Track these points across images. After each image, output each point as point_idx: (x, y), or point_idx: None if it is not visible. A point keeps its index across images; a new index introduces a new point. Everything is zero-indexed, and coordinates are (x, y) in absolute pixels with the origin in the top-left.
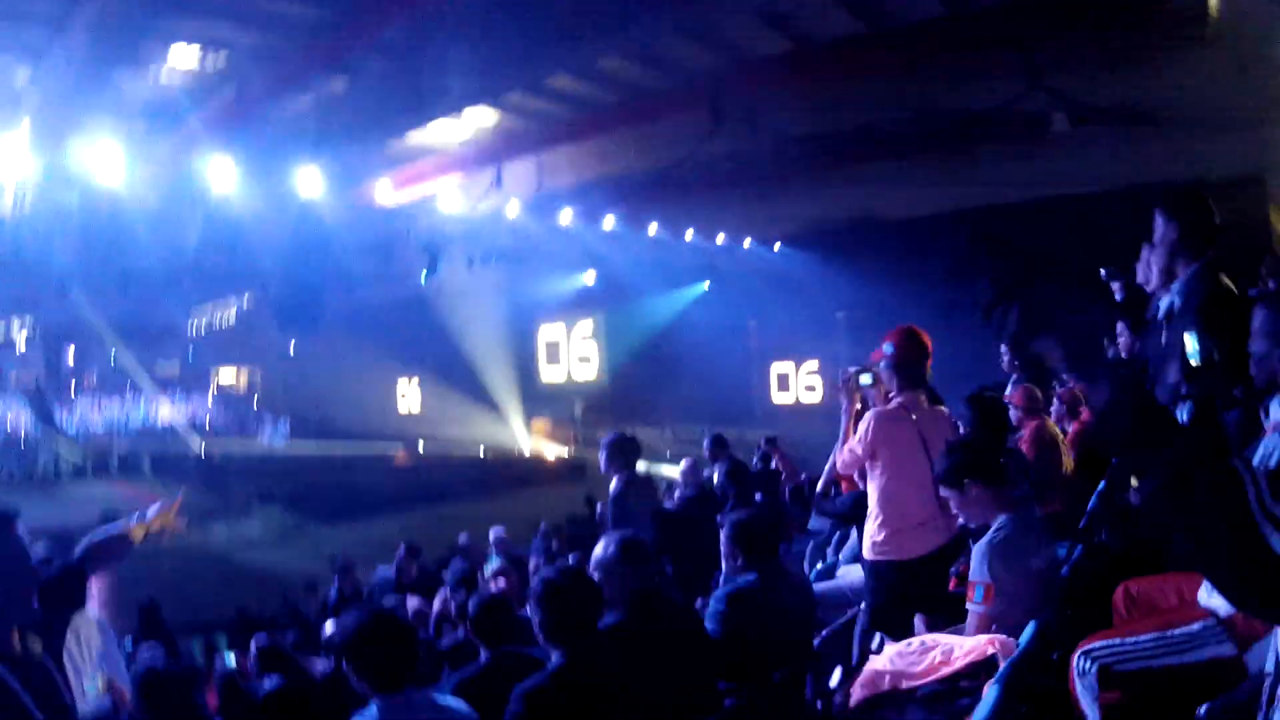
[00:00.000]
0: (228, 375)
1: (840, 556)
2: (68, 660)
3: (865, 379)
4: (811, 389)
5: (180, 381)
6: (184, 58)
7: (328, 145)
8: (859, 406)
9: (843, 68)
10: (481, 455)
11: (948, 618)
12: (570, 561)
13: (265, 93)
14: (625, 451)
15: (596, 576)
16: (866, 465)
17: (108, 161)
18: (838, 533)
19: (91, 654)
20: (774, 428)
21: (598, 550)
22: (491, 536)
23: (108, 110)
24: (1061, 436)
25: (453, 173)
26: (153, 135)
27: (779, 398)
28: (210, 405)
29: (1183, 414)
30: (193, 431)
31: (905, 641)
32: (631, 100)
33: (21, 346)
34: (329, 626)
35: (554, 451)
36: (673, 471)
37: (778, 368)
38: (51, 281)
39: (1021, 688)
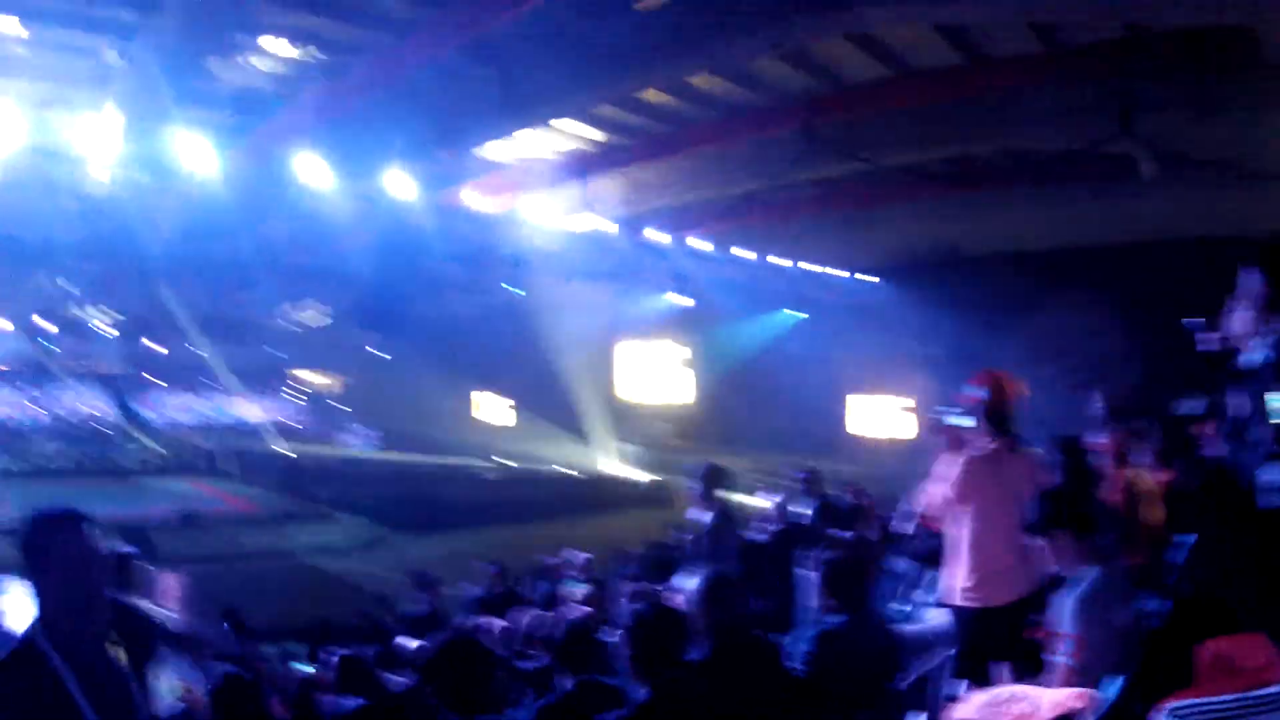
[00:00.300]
0: (312, 377)
1: (928, 599)
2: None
3: (964, 421)
4: (901, 424)
5: (264, 381)
6: (276, 49)
7: (419, 148)
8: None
9: (938, 98)
10: (566, 474)
11: (1032, 667)
12: (655, 589)
13: (357, 90)
14: (718, 482)
15: (684, 609)
16: (958, 509)
17: (198, 151)
18: (924, 574)
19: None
20: (856, 462)
21: (688, 584)
22: (575, 560)
23: (197, 98)
24: (1153, 486)
25: (543, 185)
26: (242, 127)
27: (865, 431)
28: (296, 407)
29: (1274, 474)
30: (277, 433)
31: (992, 691)
32: (724, 119)
33: (104, 335)
34: (410, 643)
35: (637, 474)
36: (752, 501)
37: (864, 401)
38: (136, 271)
39: None
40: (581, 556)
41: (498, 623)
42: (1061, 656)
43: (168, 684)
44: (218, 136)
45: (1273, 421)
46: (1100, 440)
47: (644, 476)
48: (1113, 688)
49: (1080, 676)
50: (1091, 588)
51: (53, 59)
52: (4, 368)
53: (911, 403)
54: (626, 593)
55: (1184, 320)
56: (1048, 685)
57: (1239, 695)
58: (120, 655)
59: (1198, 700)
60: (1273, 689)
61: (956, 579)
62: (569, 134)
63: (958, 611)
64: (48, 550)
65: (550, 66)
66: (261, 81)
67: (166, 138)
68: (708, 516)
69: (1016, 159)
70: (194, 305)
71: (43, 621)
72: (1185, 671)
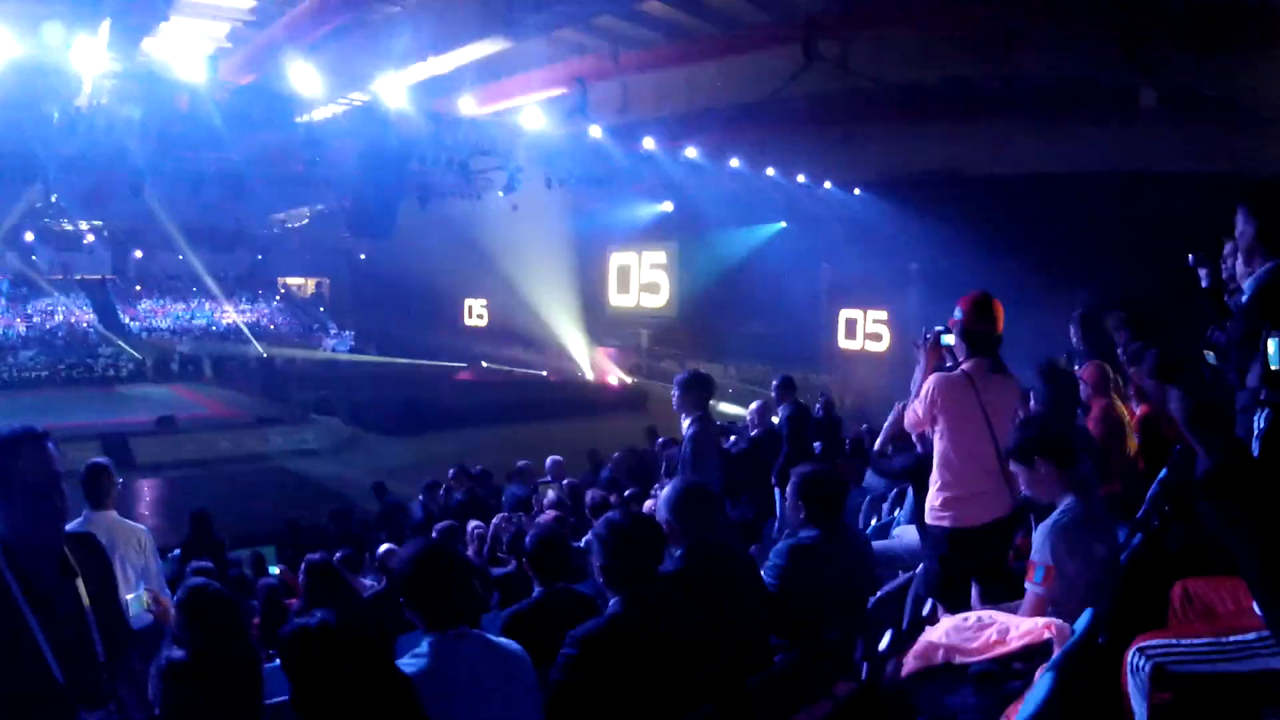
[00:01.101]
0: (295, 281)
1: (897, 515)
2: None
3: (948, 339)
4: (878, 337)
5: (247, 286)
6: None
7: (413, 56)
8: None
9: (939, 19)
10: (544, 377)
11: (1004, 590)
12: (628, 494)
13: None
14: (701, 390)
15: (661, 519)
16: (930, 429)
17: (188, 61)
18: (894, 490)
19: (134, 565)
20: (838, 373)
21: (664, 493)
22: (548, 463)
23: (187, 9)
24: (1129, 418)
25: (537, 91)
26: (234, 37)
27: (845, 343)
28: (275, 311)
29: (1260, 420)
30: (255, 337)
31: (962, 615)
32: (723, 31)
33: (89, 244)
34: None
35: (616, 378)
36: (733, 410)
37: (846, 314)
38: (124, 180)
39: (1074, 677)
40: (552, 460)
41: (473, 524)
42: (1034, 585)
43: (134, 595)
44: (209, 47)
45: (1272, 367)
46: (1083, 369)
47: (626, 380)
48: (1083, 620)
49: (1053, 606)
50: (1067, 518)
51: None
52: None
53: (887, 317)
54: (593, 500)
55: (1189, 255)
56: (1020, 613)
57: (1212, 640)
58: (79, 584)
59: (1168, 640)
60: (1248, 635)
61: (928, 498)
62: (567, 41)
63: (929, 531)
64: (7, 472)
65: None
66: None
67: (157, 48)
68: (687, 424)
69: (1018, 85)
70: (182, 215)
71: (2, 543)
72: (1159, 609)
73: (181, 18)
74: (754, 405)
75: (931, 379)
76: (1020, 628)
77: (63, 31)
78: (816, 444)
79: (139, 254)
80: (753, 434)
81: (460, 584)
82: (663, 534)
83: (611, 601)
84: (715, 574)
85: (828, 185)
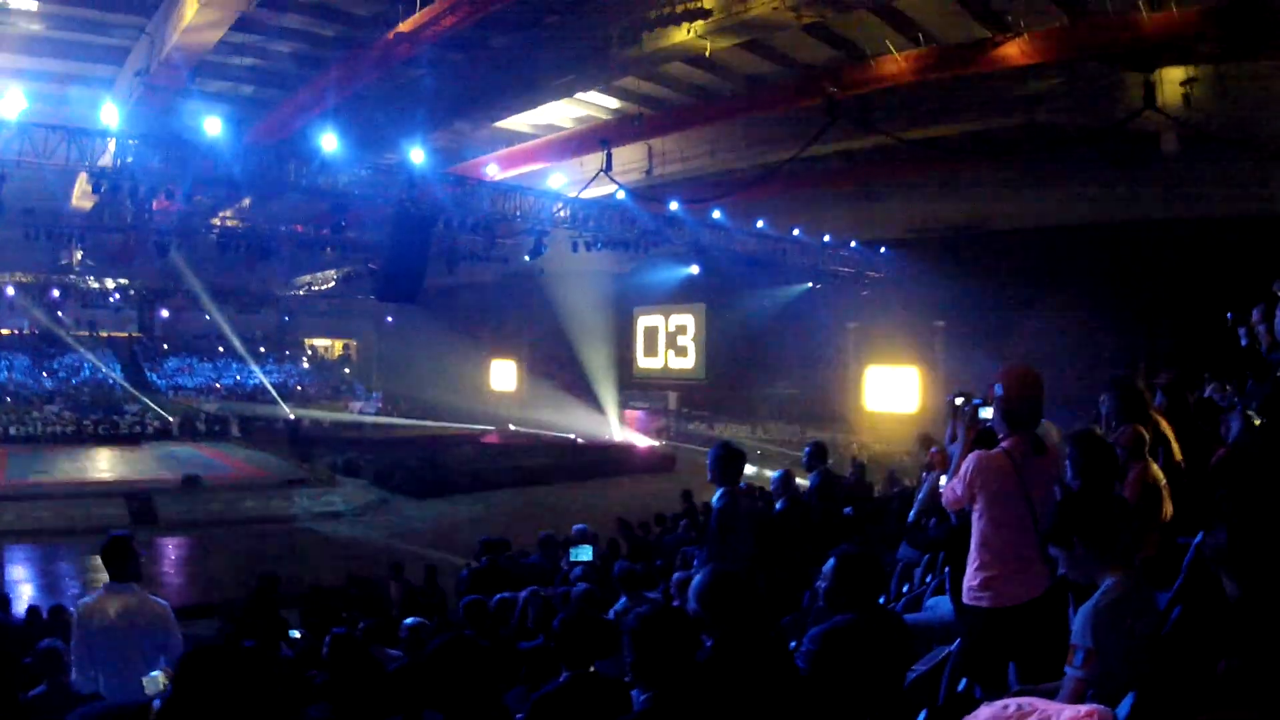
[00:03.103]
0: (321, 343)
1: (929, 580)
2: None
3: (985, 413)
4: (905, 396)
5: (274, 346)
6: (298, 24)
7: (440, 120)
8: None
9: (961, 72)
10: (572, 440)
11: (1042, 671)
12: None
13: (377, 65)
14: (732, 462)
15: (690, 609)
16: (968, 507)
17: (212, 123)
18: (926, 556)
19: (154, 642)
20: (868, 432)
21: (694, 583)
22: (575, 533)
23: (214, 73)
24: (1164, 482)
25: (563, 156)
26: (261, 100)
27: (873, 403)
28: (303, 372)
29: None
30: (282, 397)
31: (1001, 703)
32: (746, 91)
33: (116, 302)
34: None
35: (645, 441)
36: (761, 472)
37: (873, 372)
38: (149, 239)
39: None
40: (579, 528)
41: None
42: (1074, 669)
43: (150, 676)
44: (235, 110)
45: None
46: (1119, 433)
47: (655, 442)
48: (1125, 705)
49: (1094, 691)
50: (1108, 599)
51: (67, 35)
52: (13, 333)
53: (924, 376)
54: (620, 570)
55: (1227, 314)
56: (1059, 698)
57: None
58: None
59: None
60: None
61: (966, 577)
62: (590, 105)
63: (966, 610)
64: None
65: (573, 39)
66: (281, 57)
67: (183, 109)
68: (716, 496)
69: (1039, 134)
70: (208, 275)
71: None
72: (1206, 685)
73: (208, 80)
74: (776, 475)
75: (971, 458)
76: (1063, 715)
77: (89, 93)
78: (848, 509)
79: (165, 313)
80: (777, 506)
81: (482, 674)
82: (694, 629)
83: (640, 698)
84: (746, 662)
85: (853, 244)
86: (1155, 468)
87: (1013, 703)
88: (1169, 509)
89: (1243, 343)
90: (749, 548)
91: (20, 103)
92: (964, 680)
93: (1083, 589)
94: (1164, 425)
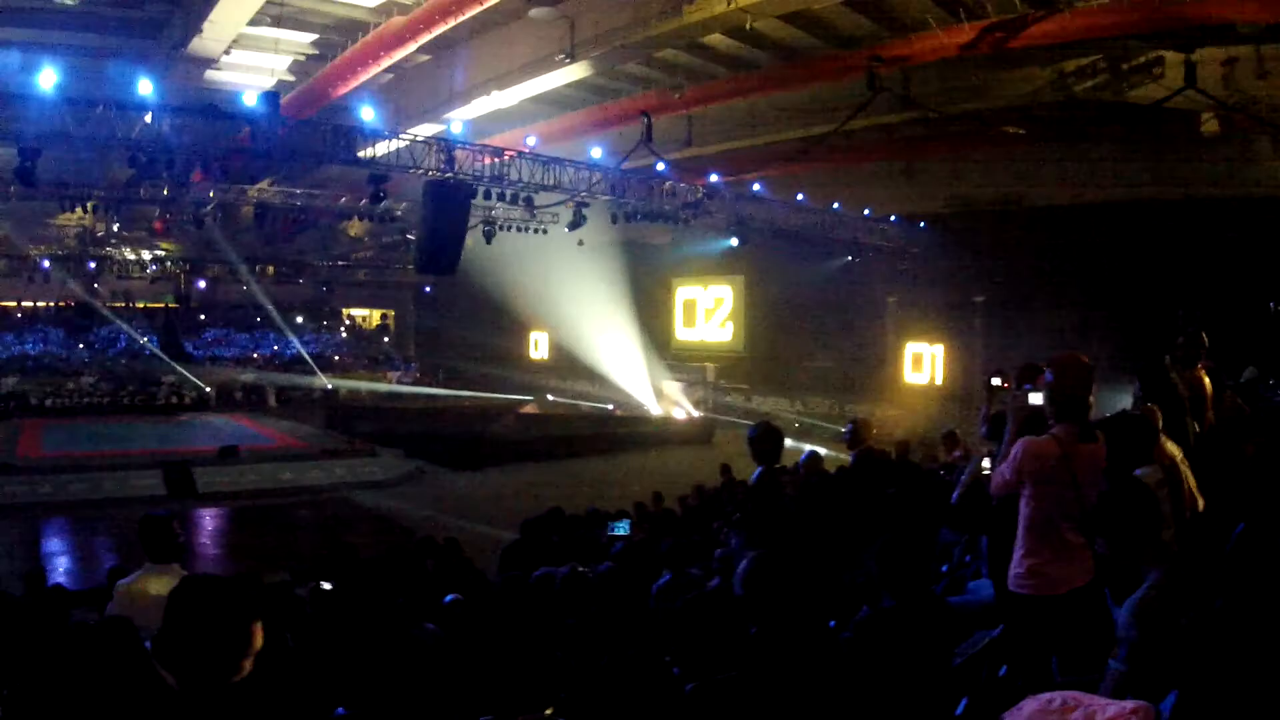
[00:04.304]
0: (360, 314)
1: (966, 561)
2: None
3: (1036, 398)
4: (943, 371)
5: (312, 317)
6: None
7: (477, 90)
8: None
9: (1004, 47)
10: (611, 411)
11: (1085, 661)
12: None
13: (419, 32)
14: (771, 441)
15: (737, 591)
16: (1009, 493)
17: (249, 95)
18: (965, 535)
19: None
20: (905, 408)
21: (739, 569)
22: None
23: (249, 42)
24: (1181, 456)
25: (603, 126)
26: (296, 70)
27: (911, 377)
28: (341, 342)
29: None
30: (320, 368)
31: (1046, 697)
32: (786, 63)
33: (152, 272)
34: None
35: (683, 413)
36: (801, 446)
37: (913, 347)
38: (187, 210)
39: None
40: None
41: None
42: (1118, 663)
43: None
44: (274, 78)
45: None
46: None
47: (692, 414)
48: (1168, 701)
49: (1138, 684)
50: (1154, 593)
51: (102, 9)
52: (51, 305)
53: (955, 351)
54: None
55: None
56: (1102, 691)
57: None
58: None
59: None
60: None
61: (1011, 564)
62: (631, 76)
63: (1011, 597)
64: None
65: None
66: (320, 28)
67: (223, 75)
68: (754, 475)
69: (1079, 111)
70: (245, 245)
71: None
72: (1251, 683)
73: (243, 51)
74: (802, 457)
75: (1020, 444)
76: (1107, 711)
77: (125, 66)
78: (891, 489)
79: (202, 283)
80: (810, 483)
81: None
82: (732, 609)
83: (686, 685)
84: (790, 645)
85: (893, 218)
86: (1171, 445)
87: (1057, 696)
88: (1192, 483)
89: None
90: (788, 528)
91: (55, 77)
92: (1004, 667)
93: (1123, 582)
94: (1173, 449)
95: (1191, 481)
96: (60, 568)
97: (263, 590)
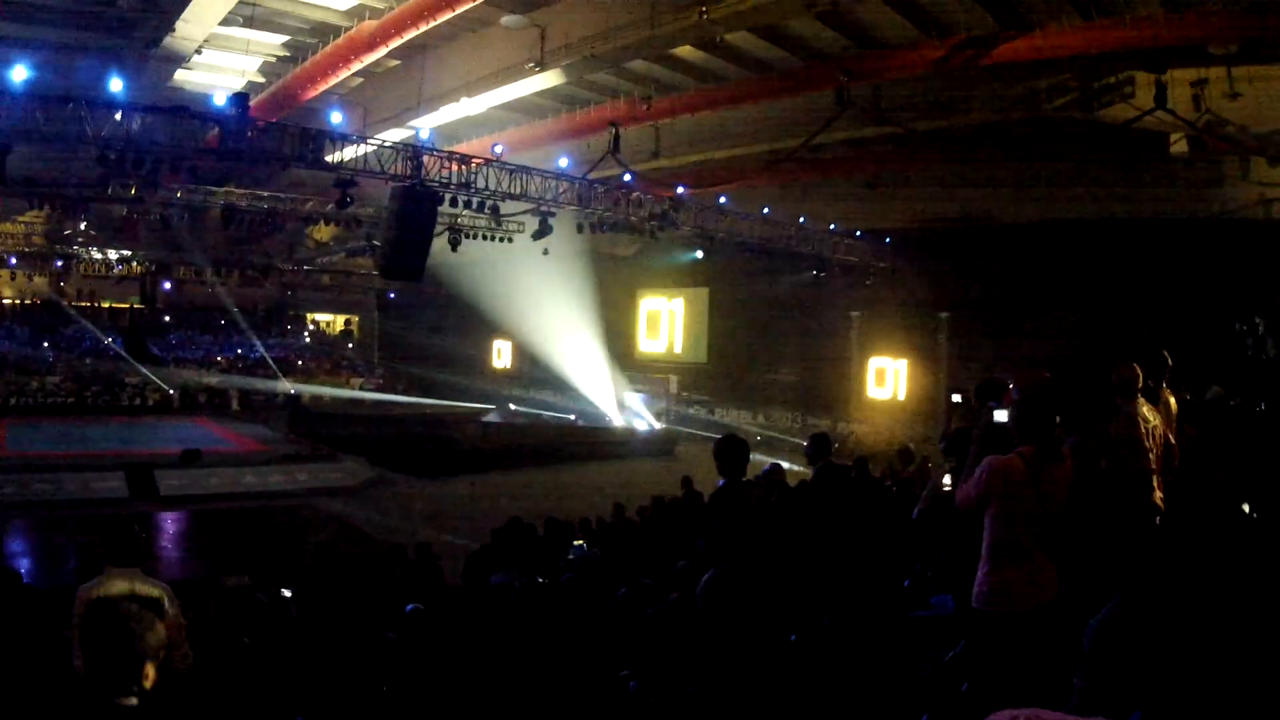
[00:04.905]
0: (324, 319)
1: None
2: None
3: (1000, 415)
4: (906, 387)
5: (275, 321)
6: None
7: (446, 97)
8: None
9: (973, 65)
10: (572, 421)
11: (1050, 677)
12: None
13: (387, 39)
14: (735, 453)
15: (699, 604)
16: (973, 511)
17: (218, 96)
18: (925, 551)
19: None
20: (867, 423)
21: (702, 581)
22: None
23: (219, 43)
24: (1155, 423)
25: (571, 136)
26: (265, 71)
27: (875, 392)
28: (304, 347)
29: None
30: (283, 372)
31: (1009, 713)
32: (757, 77)
33: (118, 273)
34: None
35: (644, 424)
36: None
37: (876, 362)
38: (152, 211)
39: None
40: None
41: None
42: (1082, 681)
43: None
44: (242, 84)
45: None
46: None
47: (654, 426)
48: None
49: (1103, 703)
50: (1118, 613)
51: (73, 5)
52: (15, 303)
53: (918, 368)
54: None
55: (1236, 323)
56: (1067, 710)
57: None
58: None
59: None
60: None
61: (976, 581)
62: (599, 85)
63: (974, 613)
64: None
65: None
66: (291, 30)
67: (189, 78)
68: (719, 488)
69: (1049, 130)
70: (210, 248)
71: None
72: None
73: (215, 51)
74: (763, 470)
75: (986, 462)
76: None
77: (95, 63)
78: (850, 503)
79: (168, 285)
80: (771, 497)
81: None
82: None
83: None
84: (753, 656)
85: (858, 233)
86: (1147, 407)
87: (1021, 713)
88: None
89: (1250, 352)
90: (751, 541)
91: (25, 73)
92: (966, 684)
93: (1090, 603)
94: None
95: (1173, 438)
96: (22, 568)
97: (224, 594)
